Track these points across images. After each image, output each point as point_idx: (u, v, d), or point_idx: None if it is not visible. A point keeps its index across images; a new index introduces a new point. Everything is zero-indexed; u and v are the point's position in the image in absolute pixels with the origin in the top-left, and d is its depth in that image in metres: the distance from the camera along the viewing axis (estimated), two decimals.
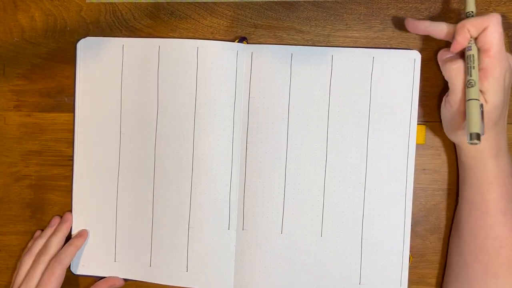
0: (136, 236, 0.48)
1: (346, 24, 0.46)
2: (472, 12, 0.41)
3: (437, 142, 0.46)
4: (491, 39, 0.38)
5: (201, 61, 0.46)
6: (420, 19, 0.44)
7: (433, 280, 0.46)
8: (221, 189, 0.46)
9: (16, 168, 0.51)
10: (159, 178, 0.47)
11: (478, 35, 0.39)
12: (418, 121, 0.45)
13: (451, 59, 0.40)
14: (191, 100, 0.46)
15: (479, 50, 0.39)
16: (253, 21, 0.47)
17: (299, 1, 0.47)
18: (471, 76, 0.39)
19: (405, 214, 0.45)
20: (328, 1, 0.46)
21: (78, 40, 0.49)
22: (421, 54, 0.44)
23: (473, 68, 0.39)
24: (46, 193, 0.50)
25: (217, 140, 0.46)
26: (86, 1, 0.49)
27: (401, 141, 0.45)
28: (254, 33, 0.47)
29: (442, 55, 0.42)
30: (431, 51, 0.45)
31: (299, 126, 0.46)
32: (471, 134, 0.36)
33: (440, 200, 0.46)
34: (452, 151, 0.45)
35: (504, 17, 0.45)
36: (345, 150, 0.45)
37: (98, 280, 0.48)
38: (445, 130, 0.43)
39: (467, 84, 0.39)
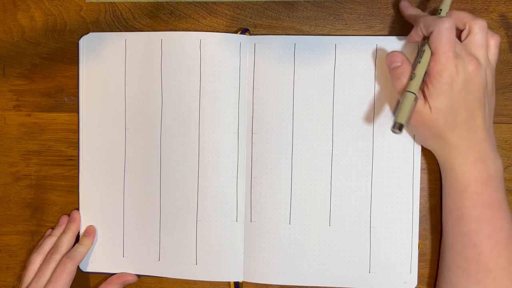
0: (144, 231, 0.48)
1: (346, 24, 0.46)
2: (441, 10, 0.41)
3: None
4: (435, 43, 0.38)
5: (204, 54, 0.46)
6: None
7: (433, 280, 0.46)
8: (227, 181, 0.46)
9: (16, 168, 0.51)
10: (165, 172, 0.47)
11: (428, 36, 0.39)
12: None
13: (399, 74, 0.41)
14: (195, 93, 0.47)
15: (430, 49, 0.39)
16: (253, 20, 0.47)
17: (298, 1, 0.47)
18: (414, 70, 0.39)
19: (413, 200, 0.45)
20: (328, 1, 0.46)
21: (79, 37, 0.49)
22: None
23: (419, 62, 0.39)
24: (46, 193, 0.50)
25: (223, 132, 0.46)
26: (86, 1, 0.49)
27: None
28: (254, 32, 0.47)
29: (391, 61, 0.42)
30: None
31: (305, 116, 0.46)
32: (394, 123, 0.37)
33: (440, 200, 0.46)
34: None
35: (504, 17, 0.45)
36: (351, 139, 0.45)
37: (110, 276, 0.48)
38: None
39: (410, 77, 0.40)
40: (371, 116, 0.45)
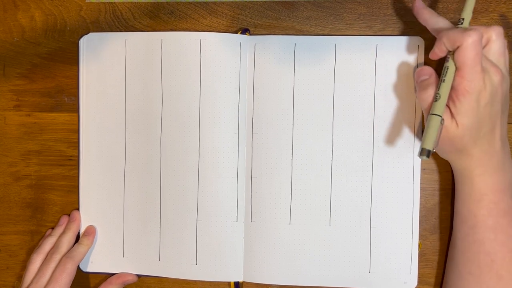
0: (144, 231, 0.48)
1: (346, 24, 0.46)
2: (463, 19, 0.39)
3: None
4: (462, 58, 0.36)
5: (204, 54, 0.46)
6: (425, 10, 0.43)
7: (432, 280, 0.46)
8: (227, 181, 0.46)
9: (16, 168, 0.51)
10: (165, 172, 0.47)
11: (454, 51, 0.38)
12: None
13: (426, 85, 0.39)
14: (195, 93, 0.47)
15: (455, 65, 0.38)
16: (253, 20, 0.47)
17: (299, 1, 0.47)
18: (439, 89, 0.38)
19: (413, 200, 0.45)
20: (328, 1, 0.46)
21: (80, 37, 0.49)
22: (424, 41, 0.45)
23: (443, 81, 0.38)
24: (46, 193, 0.50)
25: (223, 132, 0.46)
26: (86, 1, 0.49)
27: (407, 127, 0.45)
28: (254, 32, 0.47)
29: (419, 75, 0.41)
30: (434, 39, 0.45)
31: (305, 116, 0.46)
32: (421, 149, 0.36)
33: (440, 200, 0.46)
34: None
35: (504, 17, 0.45)
36: (351, 138, 0.45)
37: (110, 277, 0.48)
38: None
39: (435, 97, 0.38)
40: (371, 116, 0.45)
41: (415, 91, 0.43)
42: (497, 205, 0.40)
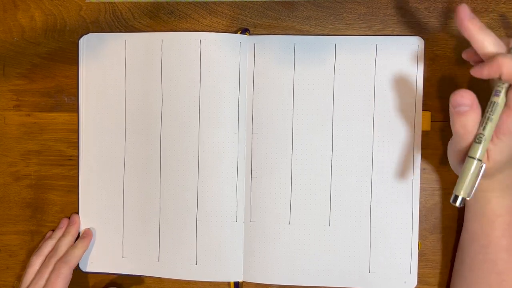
0: (144, 231, 0.48)
1: (346, 24, 0.46)
2: None
3: (437, 141, 0.46)
4: None
5: (204, 54, 0.46)
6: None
7: (432, 280, 0.46)
8: (227, 181, 0.46)
9: (16, 168, 0.51)
10: (165, 173, 0.47)
11: (509, 85, 0.34)
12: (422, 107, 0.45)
13: (464, 112, 0.34)
14: (195, 93, 0.47)
15: (506, 102, 0.34)
16: (253, 20, 0.47)
17: (298, 1, 0.47)
18: (483, 130, 0.34)
19: (413, 200, 0.45)
20: (328, 1, 0.46)
21: (79, 37, 0.49)
22: (424, 41, 0.45)
23: (490, 120, 0.34)
24: (46, 193, 0.50)
25: (222, 132, 0.46)
26: (86, 1, 0.49)
27: (406, 128, 0.45)
28: (254, 32, 0.47)
29: (458, 103, 0.34)
30: (434, 40, 0.45)
31: (305, 116, 0.46)
32: (455, 196, 0.34)
33: (440, 200, 0.46)
34: None
35: (504, 17, 0.45)
36: (351, 139, 0.45)
37: (107, 276, 0.48)
38: (450, 163, 0.40)
39: (476, 138, 0.34)
40: (371, 116, 0.45)
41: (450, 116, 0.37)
42: (510, 226, 0.39)
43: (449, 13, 0.45)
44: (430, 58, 0.45)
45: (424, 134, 0.45)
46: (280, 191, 0.46)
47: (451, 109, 0.35)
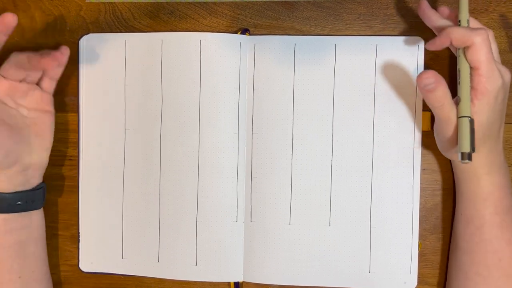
0: (144, 232, 0.48)
1: (346, 24, 0.46)
2: (459, 21, 0.40)
3: None
4: (477, 57, 0.37)
5: (204, 54, 0.46)
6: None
7: (432, 280, 0.46)
8: (227, 181, 0.46)
9: None
10: (165, 173, 0.47)
11: (466, 51, 0.38)
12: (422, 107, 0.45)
13: (432, 88, 0.37)
14: (195, 93, 0.47)
15: (469, 64, 0.38)
16: (253, 21, 0.47)
17: (298, 1, 0.47)
18: (458, 93, 0.38)
19: (413, 200, 0.45)
20: (328, 1, 0.46)
21: (79, 38, 0.49)
22: (424, 41, 0.45)
23: (459, 83, 0.38)
24: (45, 193, 0.50)
25: (223, 132, 0.46)
26: (86, 1, 0.49)
27: (407, 128, 0.45)
28: (254, 32, 0.47)
29: (424, 82, 0.37)
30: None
31: (305, 116, 0.46)
32: (462, 154, 0.36)
33: (440, 200, 0.46)
34: None
35: (504, 17, 0.45)
36: (351, 139, 0.45)
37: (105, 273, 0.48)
38: (439, 147, 0.43)
39: (456, 102, 0.38)
40: (371, 116, 0.45)
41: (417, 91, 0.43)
42: (502, 202, 0.40)
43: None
44: (430, 58, 0.45)
45: (424, 134, 0.45)
46: (280, 191, 0.46)
47: (421, 91, 0.38)
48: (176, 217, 0.47)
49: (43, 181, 0.47)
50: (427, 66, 0.45)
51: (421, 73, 0.37)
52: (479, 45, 0.36)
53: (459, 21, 0.40)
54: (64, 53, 0.43)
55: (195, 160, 0.47)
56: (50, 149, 0.46)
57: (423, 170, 0.46)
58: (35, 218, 0.45)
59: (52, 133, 0.46)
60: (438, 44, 0.39)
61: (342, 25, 0.46)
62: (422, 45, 0.45)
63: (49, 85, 0.45)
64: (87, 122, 0.49)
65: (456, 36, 0.37)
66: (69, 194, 0.50)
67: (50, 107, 0.46)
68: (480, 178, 0.40)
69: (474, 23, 0.41)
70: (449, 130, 0.39)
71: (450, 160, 0.45)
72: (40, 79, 0.45)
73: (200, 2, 0.48)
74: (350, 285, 0.46)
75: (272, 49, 0.46)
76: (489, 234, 0.40)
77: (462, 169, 0.42)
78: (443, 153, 0.43)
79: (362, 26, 0.46)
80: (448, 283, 0.45)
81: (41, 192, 0.45)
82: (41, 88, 0.45)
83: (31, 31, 0.50)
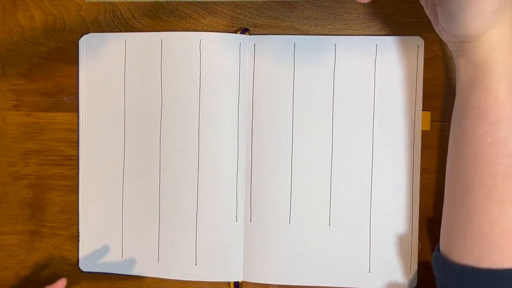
0: (143, 232, 0.48)
1: (346, 24, 0.46)
2: None
3: (437, 141, 0.46)
4: None
5: (204, 54, 0.46)
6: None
7: (432, 280, 0.46)
8: (227, 181, 0.46)
9: (15, 168, 0.50)
10: (165, 173, 0.47)
11: None
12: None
13: None
14: (195, 93, 0.47)
15: None
16: (252, 20, 0.47)
17: (298, 1, 0.47)
18: None
19: (413, 200, 0.45)
20: (328, 1, 0.46)
21: (79, 37, 0.49)
22: (424, 41, 0.45)
23: None
24: (45, 193, 0.50)
25: (222, 132, 0.46)
26: (86, 1, 0.49)
27: (406, 128, 0.45)
28: (254, 32, 0.47)
29: None
30: (434, 40, 0.45)
31: (304, 116, 0.46)
32: None
33: (440, 200, 0.46)
34: None
35: None
36: (351, 138, 0.45)
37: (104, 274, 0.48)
38: (438, 32, 0.38)
39: None
40: (371, 115, 0.45)
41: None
42: None
43: None
44: (430, 58, 0.45)
45: (424, 134, 0.45)
46: (280, 191, 0.46)
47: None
48: (176, 217, 0.47)
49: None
50: (427, 66, 0.45)
51: None
52: None
53: None
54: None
55: (195, 160, 0.47)
56: None
57: (423, 170, 0.46)
58: None
59: None
60: None
61: (342, 25, 0.46)
62: (422, 45, 0.45)
63: None
64: (87, 122, 0.49)
65: None
66: (69, 194, 0.50)
67: None
68: (496, 61, 0.34)
69: None
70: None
71: None
72: None
73: (200, 1, 0.48)
74: (350, 285, 0.46)
75: (272, 48, 0.46)
76: (506, 131, 0.34)
77: (473, 60, 0.35)
78: (447, 31, 0.36)
79: (362, 26, 0.46)
80: (444, 207, 0.40)
81: None
82: None
83: (30, 31, 0.50)
